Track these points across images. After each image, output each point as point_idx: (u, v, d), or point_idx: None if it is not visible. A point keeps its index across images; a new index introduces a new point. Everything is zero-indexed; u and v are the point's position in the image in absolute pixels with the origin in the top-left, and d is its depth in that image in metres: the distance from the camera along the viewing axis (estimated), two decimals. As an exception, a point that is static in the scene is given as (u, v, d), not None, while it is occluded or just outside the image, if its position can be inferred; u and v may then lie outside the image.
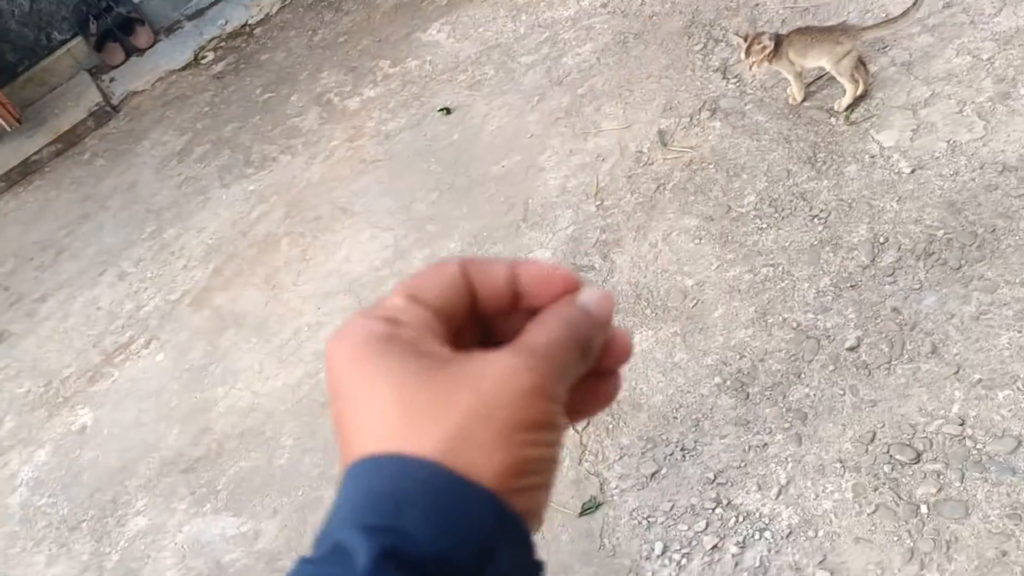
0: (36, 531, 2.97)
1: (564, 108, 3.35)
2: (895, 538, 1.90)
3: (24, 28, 5.17)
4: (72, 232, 4.25)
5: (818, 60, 2.72)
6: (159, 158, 4.41)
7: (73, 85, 5.23)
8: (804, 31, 2.75)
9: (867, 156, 2.62)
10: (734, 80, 3.07)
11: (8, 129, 4.86)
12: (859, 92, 2.73)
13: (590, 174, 3.04)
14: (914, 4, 2.64)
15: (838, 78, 2.72)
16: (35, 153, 4.88)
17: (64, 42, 5.27)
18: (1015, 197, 2.32)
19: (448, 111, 3.64)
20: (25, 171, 4.86)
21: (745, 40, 2.77)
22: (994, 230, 2.28)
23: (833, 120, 2.77)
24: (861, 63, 2.71)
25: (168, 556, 2.66)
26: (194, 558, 2.61)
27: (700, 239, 2.65)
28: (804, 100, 2.86)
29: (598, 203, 2.93)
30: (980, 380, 2.03)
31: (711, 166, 2.83)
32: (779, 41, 2.75)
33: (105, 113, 4.93)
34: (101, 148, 4.75)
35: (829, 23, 2.87)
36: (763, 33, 2.75)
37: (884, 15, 2.92)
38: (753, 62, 2.76)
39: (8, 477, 3.22)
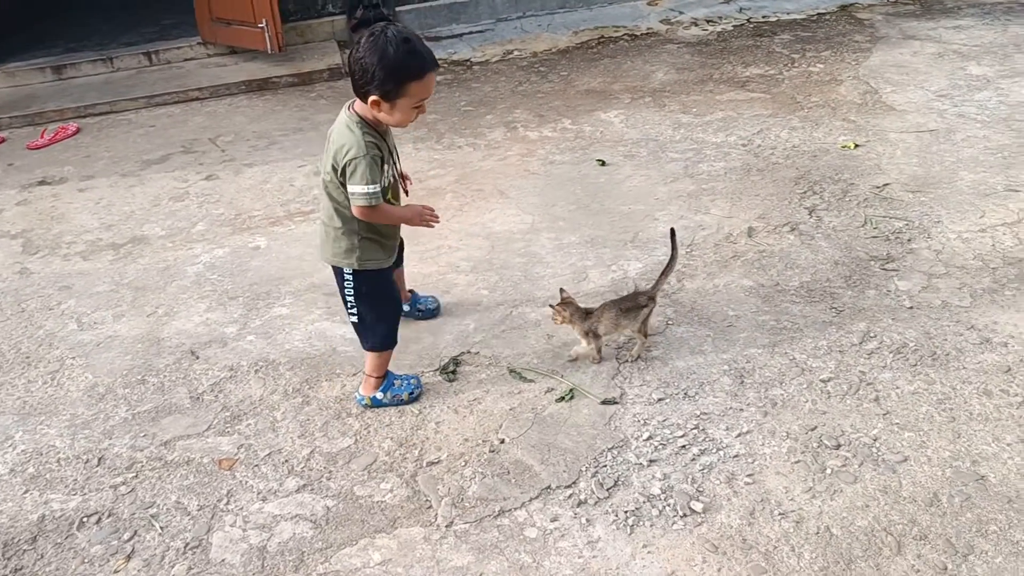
0: (203, 291, 3.96)
1: (688, 192, 4.44)
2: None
3: (312, -8, 6.60)
4: (286, 136, 5.43)
5: (630, 327, 3.24)
6: (370, 116, 5.61)
7: (323, 46, 6.59)
8: (610, 306, 3.23)
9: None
10: (814, 218, 4.12)
11: (269, 52, 6.16)
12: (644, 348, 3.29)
13: (690, 234, 4.08)
14: (672, 259, 3.31)
15: (637, 336, 3.27)
16: (276, 77, 6.16)
17: (332, 14, 6.68)
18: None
19: (603, 163, 4.77)
20: (263, 86, 6.13)
21: (561, 300, 3.25)
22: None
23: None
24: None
25: (298, 334, 3.61)
26: (317, 340, 3.55)
27: (748, 293, 3.63)
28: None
29: (687, 250, 3.95)
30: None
31: (775, 258, 3.85)
32: (589, 313, 3.22)
33: (339, 73, 6.22)
34: (327, 93, 6.00)
35: (624, 293, 3.46)
36: (572, 304, 3.23)
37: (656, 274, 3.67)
38: (557, 319, 3.25)
39: (191, 256, 4.25)
